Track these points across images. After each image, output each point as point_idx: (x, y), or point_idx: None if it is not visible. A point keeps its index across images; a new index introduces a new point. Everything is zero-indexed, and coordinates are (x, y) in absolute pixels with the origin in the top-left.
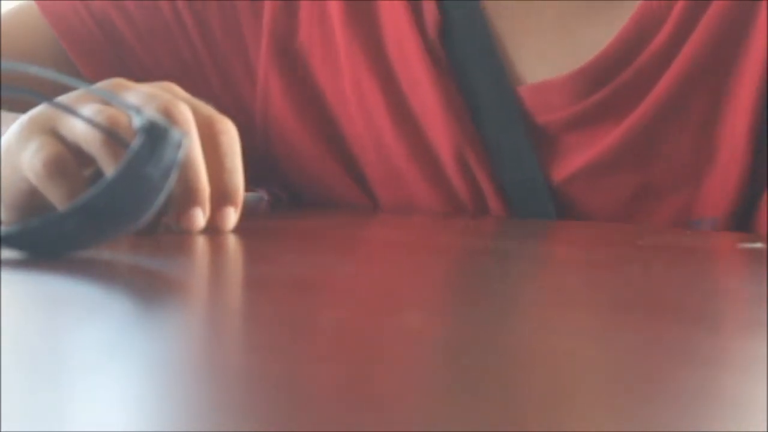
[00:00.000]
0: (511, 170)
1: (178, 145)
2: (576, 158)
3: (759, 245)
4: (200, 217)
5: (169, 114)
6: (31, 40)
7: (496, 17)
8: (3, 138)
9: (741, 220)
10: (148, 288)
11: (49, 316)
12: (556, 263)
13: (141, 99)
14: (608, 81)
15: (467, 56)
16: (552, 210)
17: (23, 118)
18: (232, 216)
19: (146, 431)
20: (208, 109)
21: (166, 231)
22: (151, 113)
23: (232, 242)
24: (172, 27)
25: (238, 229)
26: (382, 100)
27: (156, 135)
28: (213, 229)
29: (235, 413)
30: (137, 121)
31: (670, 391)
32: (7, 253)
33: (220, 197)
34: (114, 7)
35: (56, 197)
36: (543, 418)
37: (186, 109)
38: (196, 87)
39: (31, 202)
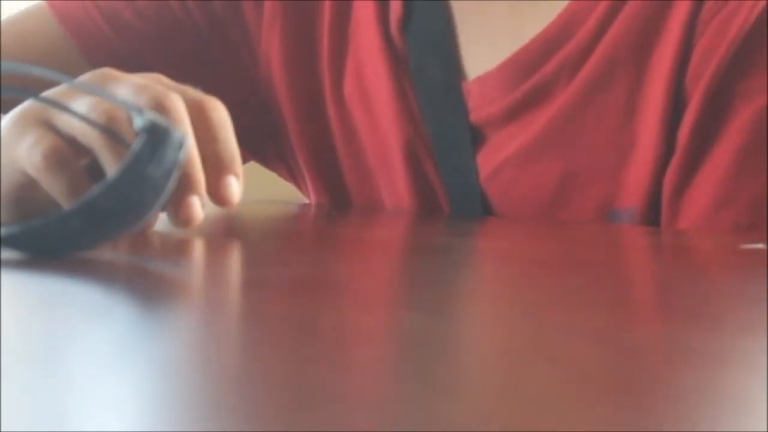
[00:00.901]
0: (451, 165)
1: (180, 146)
2: (503, 151)
3: (760, 246)
4: (198, 206)
5: (161, 106)
6: (42, 40)
7: (456, 13)
8: None
9: (658, 213)
10: (150, 289)
11: (50, 317)
12: (557, 263)
13: (132, 92)
14: (534, 71)
15: (423, 51)
16: (478, 204)
17: (15, 112)
18: (234, 185)
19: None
20: (196, 92)
21: (162, 230)
22: (152, 114)
23: (233, 242)
24: (180, 17)
25: (239, 230)
26: (355, 93)
27: (158, 135)
28: (219, 203)
29: (237, 414)
30: (139, 122)
31: (670, 391)
32: (8, 254)
33: (219, 168)
34: (124, 3)
35: (56, 189)
36: (541, 418)
37: (178, 100)
38: (204, 75)
39: (28, 196)
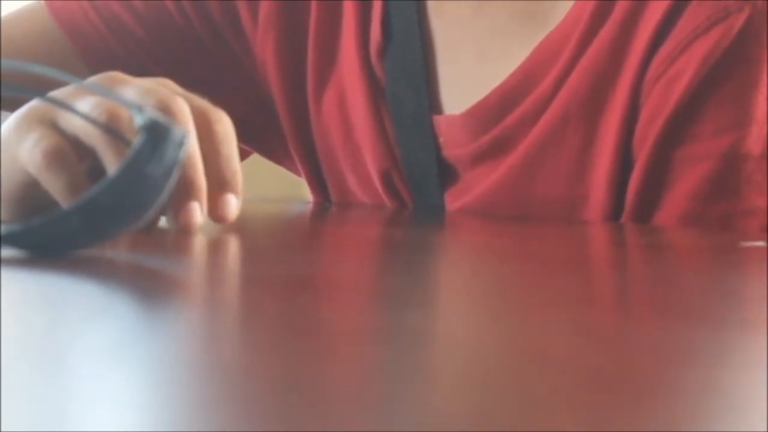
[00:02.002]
0: (421, 196)
1: (180, 144)
2: (469, 193)
3: (760, 243)
4: (197, 212)
5: (167, 109)
6: (39, 41)
7: (437, 49)
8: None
9: None
10: (150, 287)
11: (50, 316)
12: (553, 263)
13: (138, 94)
14: (496, 123)
15: (399, 81)
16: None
17: (20, 111)
18: (232, 203)
19: (148, 431)
20: (202, 102)
21: (162, 228)
22: (153, 112)
23: (233, 241)
24: (177, 20)
25: (238, 228)
26: (336, 115)
27: (158, 134)
28: (215, 219)
29: (237, 412)
30: (139, 120)
31: (671, 389)
32: (9, 252)
33: (219, 185)
34: (120, 5)
35: (56, 189)
36: (541, 417)
37: (183, 104)
38: (203, 74)
39: (29, 195)
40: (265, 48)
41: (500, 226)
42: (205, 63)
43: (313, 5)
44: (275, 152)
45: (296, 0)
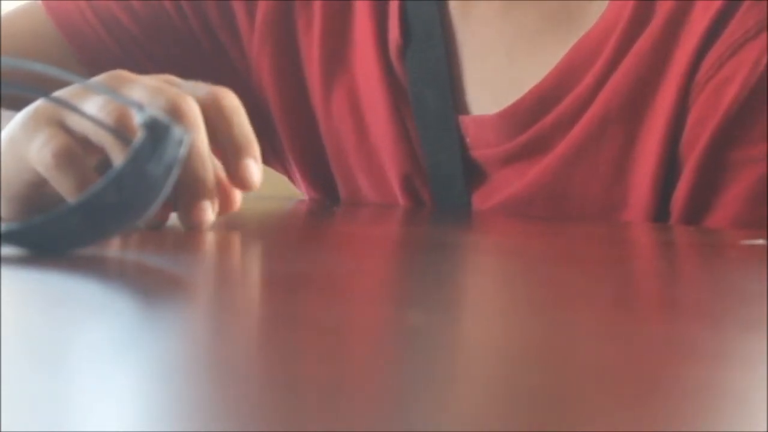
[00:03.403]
0: (447, 199)
1: (180, 142)
2: (499, 193)
3: (761, 241)
4: (209, 210)
5: (177, 108)
6: (36, 40)
7: (454, 42)
8: (6, 130)
9: None
10: (152, 285)
11: (51, 314)
12: (558, 260)
13: (148, 93)
14: (532, 123)
15: (422, 81)
16: None
17: (28, 110)
18: (252, 166)
19: (149, 431)
20: (206, 85)
21: (171, 227)
22: (153, 110)
23: (234, 239)
24: (175, 22)
25: (240, 227)
26: (348, 119)
27: (158, 132)
28: (239, 185)
29: (239, 411)
30: (139, 118)
31: (671, 387)
32: (9, 250)
33: (236, 151)
34: (118, 5)
35: (66, 188)
36: (544, 415)
37: (193, 103)
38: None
39: (35, 194)
40: (261, 50)
41: (530, 226)
42: (201, 64)
43: (317, 7)
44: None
45: (295, 1)
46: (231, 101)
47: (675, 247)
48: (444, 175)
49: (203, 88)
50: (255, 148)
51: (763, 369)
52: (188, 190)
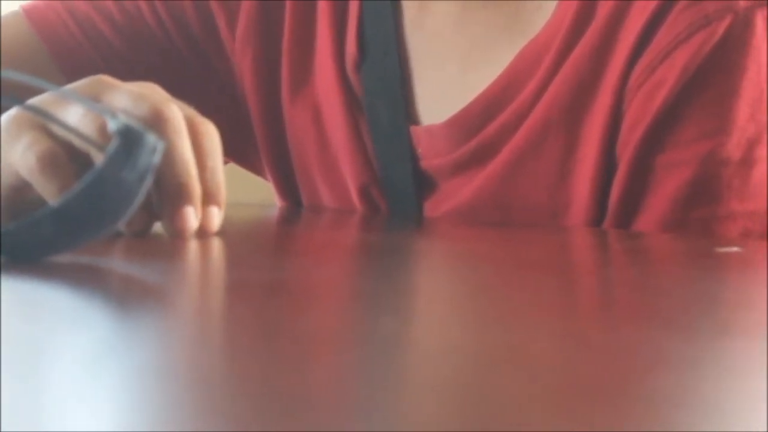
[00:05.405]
0: (399, 206)
1: (154, 150)
2: (448, 201)
3: (735, 249)
4: (192, 217)
5: (160, 114)
6: (16, 46)
7: (413, 61)
8: None
9: None
10: (125, 292)
11: (25, 322)
12: (526, 266)
13: (130, 100)
14: (478, 131)
15: (375, 93)
16: None
17: (10, 114)
18: (215, 216)
19: None
20: (190, 110)
21: (154, 234)
22: (126, 117)
23: (209, 246)
24: (155, 32)
25: (219, 233)
26: (311, 129)
27: (132, 139)
28: (198, 230)
29: (213, 418)
30: (113, 125)
31: (642, 395)
32: None
33: (203, 197)
34: (97, 12)
35: (48, 192)
36: (518, 419)
37: (176, 110)
38: (178, 83)
39: (17, 198)
40: (243, 57)
41: (477, 231)
42: (182, 72)
43: (287, 18)
44: (247, 160)
45: (274, 11)
46: (210, 139)
47: (649, 254)
48: (397, 185)
49: (187, 110)
50: (222, 195)
51: (739, 376)
52: (171, 197)
